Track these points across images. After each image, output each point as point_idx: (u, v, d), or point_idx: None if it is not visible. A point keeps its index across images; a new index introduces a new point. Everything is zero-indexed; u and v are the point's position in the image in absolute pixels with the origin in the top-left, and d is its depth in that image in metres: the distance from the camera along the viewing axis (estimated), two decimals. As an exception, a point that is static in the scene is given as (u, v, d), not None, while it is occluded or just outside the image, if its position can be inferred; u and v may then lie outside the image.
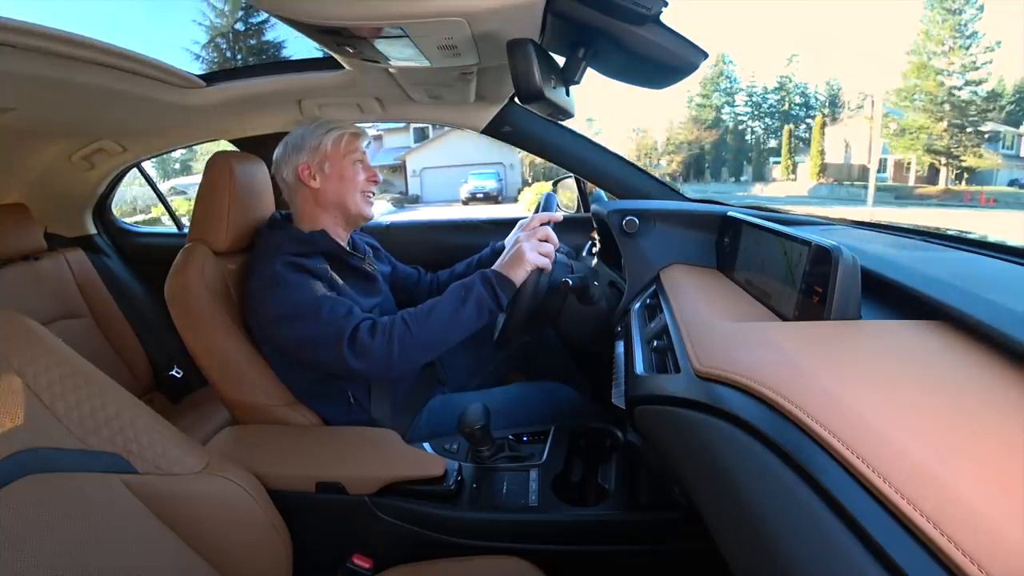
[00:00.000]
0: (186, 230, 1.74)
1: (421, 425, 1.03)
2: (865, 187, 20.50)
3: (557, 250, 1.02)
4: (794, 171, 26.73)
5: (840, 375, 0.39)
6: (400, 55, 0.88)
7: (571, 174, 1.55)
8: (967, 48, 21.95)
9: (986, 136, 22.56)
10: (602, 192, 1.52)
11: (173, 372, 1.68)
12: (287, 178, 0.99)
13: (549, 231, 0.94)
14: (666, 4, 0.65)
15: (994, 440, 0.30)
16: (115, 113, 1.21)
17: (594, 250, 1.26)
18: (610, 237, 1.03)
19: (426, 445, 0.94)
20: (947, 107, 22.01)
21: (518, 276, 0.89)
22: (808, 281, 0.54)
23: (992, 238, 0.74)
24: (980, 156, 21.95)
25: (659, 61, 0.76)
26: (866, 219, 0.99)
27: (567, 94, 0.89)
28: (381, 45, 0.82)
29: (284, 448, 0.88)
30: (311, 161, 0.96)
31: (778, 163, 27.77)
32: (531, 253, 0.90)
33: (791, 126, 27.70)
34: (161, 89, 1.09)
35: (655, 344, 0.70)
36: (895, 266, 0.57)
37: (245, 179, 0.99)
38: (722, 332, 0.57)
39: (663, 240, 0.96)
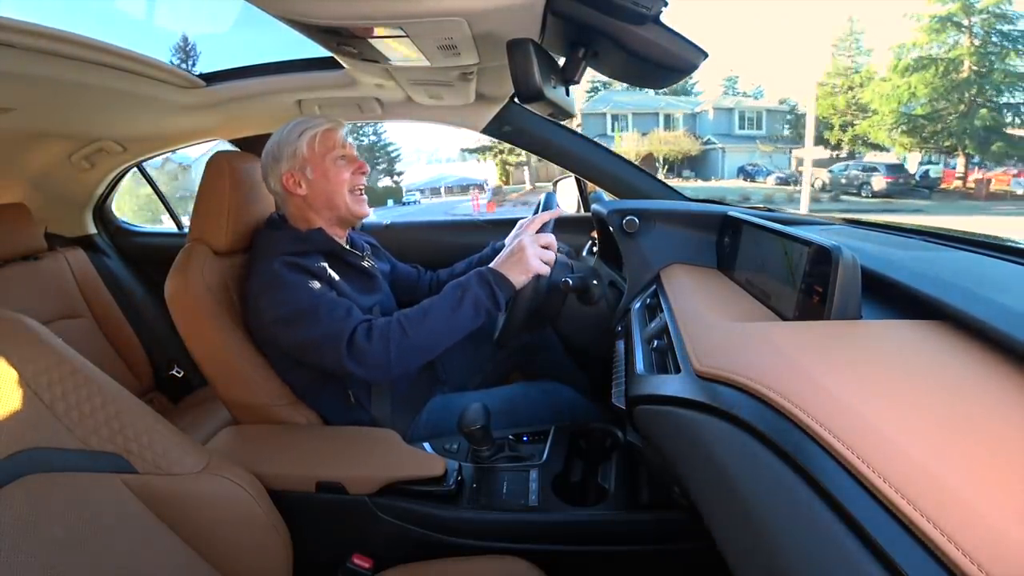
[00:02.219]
0: (186, 230, 1.74)
1: (421, 425, 1.03)
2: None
3: (557, 253, 1.01)
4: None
5: (840, 375, 0.39)
6: (400, 55, 0.88)
7: (571, 174, 1.55)
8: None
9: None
10: (602, 192, 1.52)
11: (173, 372, 1.68)
12: (275, 188, 0.98)
13: (551, 239, 0.92)
14: (666, 4, 0.65)
15: (994, 440, 0.30)
16: (115, 113, 1.21)
17: (594, 250, 1.26)
18: (610, 237, 1.03)
19: (426, 445, 0.93)
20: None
21: (518, 279, 0.87)
22: (808, 281, 0.54)
23: (992, 237, 0.74)
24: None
25: (659, 61, 0.76)
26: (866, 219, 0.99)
27: (567, 94, 0.89)
28: (381, 45, 0.82)
29: (284, 448, 0.88)
30: (293, 168, 0.94)
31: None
32: (534, 259, 0.87)
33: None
34: (161, 89, 1.10)
35: (655, 344, 0.70)
36: (895, 266, 0.56)
37: (245, 179, 0.99)
38: (722, 332, 0.57)
39: (663, 240, 0.96)
